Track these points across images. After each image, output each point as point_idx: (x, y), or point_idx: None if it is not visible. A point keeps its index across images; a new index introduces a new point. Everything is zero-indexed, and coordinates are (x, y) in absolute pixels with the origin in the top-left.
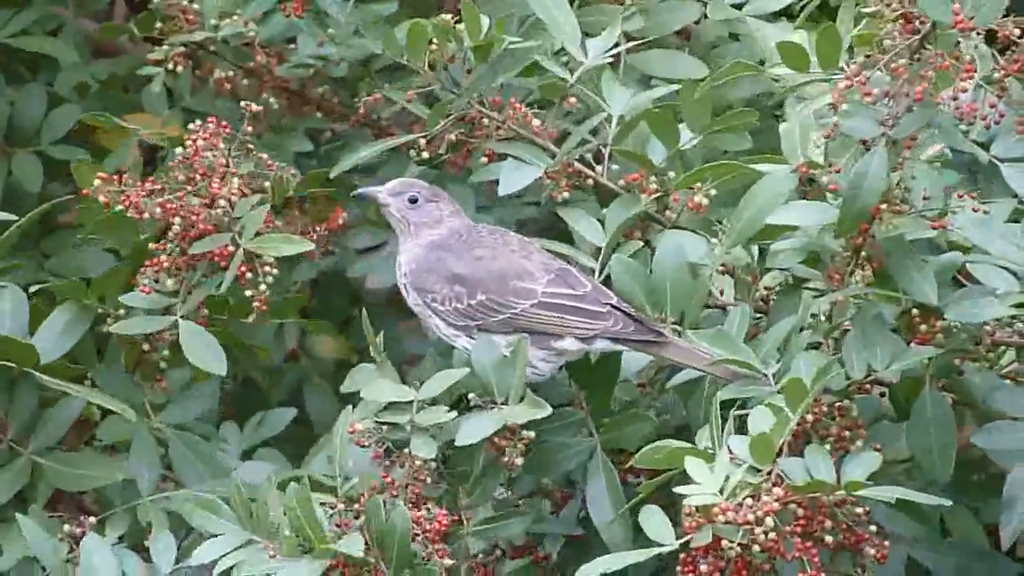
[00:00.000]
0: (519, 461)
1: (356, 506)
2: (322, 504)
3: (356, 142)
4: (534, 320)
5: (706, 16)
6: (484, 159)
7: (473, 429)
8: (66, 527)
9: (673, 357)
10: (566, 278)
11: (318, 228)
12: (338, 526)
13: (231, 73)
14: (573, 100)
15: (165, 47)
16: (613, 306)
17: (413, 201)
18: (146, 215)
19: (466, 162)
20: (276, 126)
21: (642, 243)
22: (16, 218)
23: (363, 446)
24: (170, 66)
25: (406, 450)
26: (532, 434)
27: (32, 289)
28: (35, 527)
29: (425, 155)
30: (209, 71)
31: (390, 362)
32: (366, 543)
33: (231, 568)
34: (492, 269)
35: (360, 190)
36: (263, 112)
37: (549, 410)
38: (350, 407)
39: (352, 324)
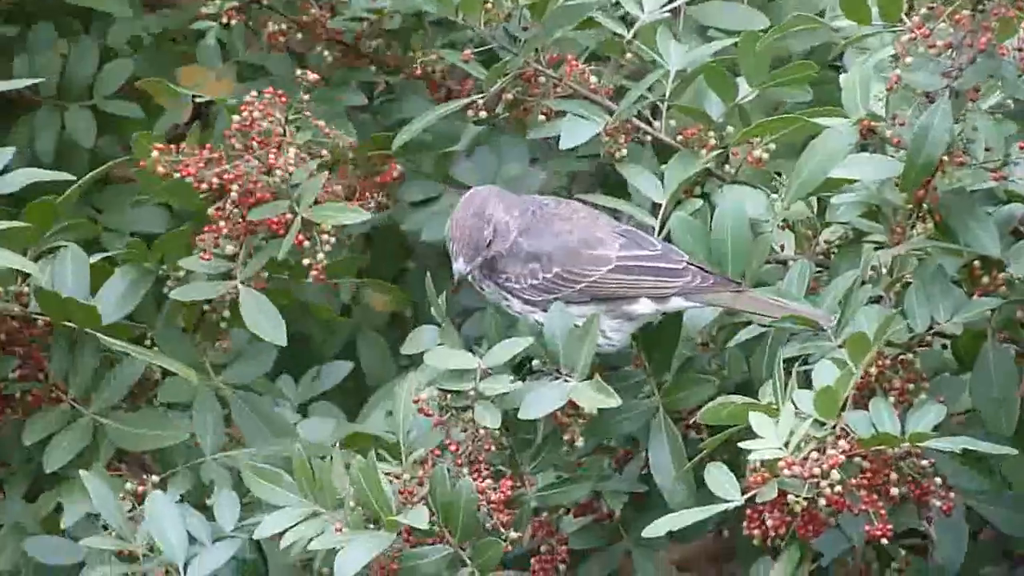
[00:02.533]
0: (580, 442)
1: (420, 474)
2: (386, 474)
3: (409, 94)
4: (611, 285)
5: None
6: (542, 117)
7: (537, 403)
8: (128, 485)
9: (748, 308)
10: (635, 239)
11: (372, 184)
12: (402, 494)
13: (284, 27)
14: (630, 56)
15: (218, 1)
16: (688, 263)
17: (488, 245)
18: (204, 185)
19: (527, 117)
20: (329, 79)
21: (701, 200)
22: (74, 178)
23: (427, 415)
24: (223, 20)
25: (468, 416)
26: (594, 411)
27: (96, 256)
28: (99, 483)
29: (483, 115)
30: (262, 25)
31: (452, 325)
32: (431, 512)
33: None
34: (564, 241)
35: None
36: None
37: (618, 401)
38: (412, 373)
39: (406, 276)
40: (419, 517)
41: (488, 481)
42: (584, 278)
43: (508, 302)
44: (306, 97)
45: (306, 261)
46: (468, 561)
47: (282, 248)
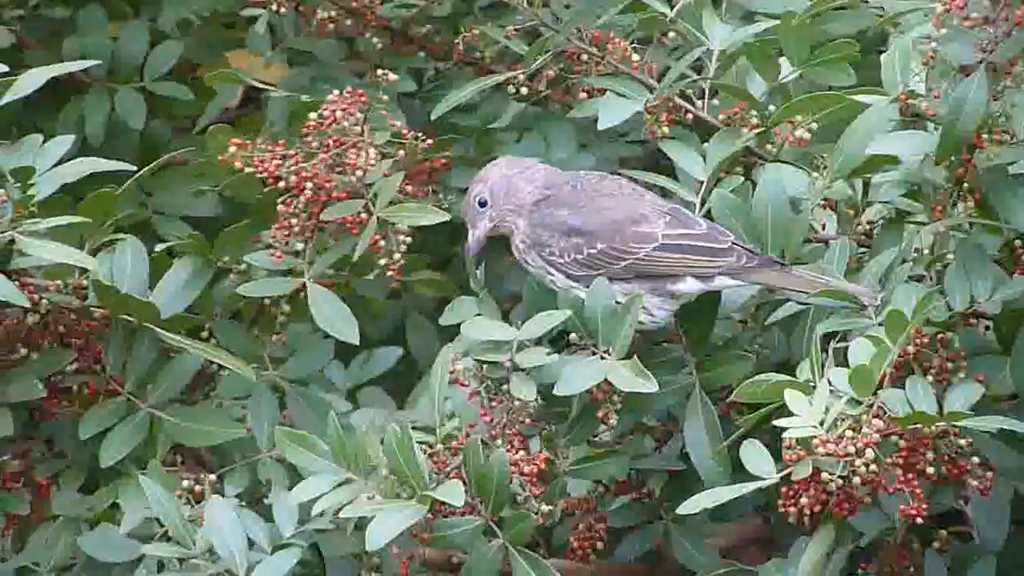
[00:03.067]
0: (614, 420)
1: (454, 444)
2: (420, 443)
3: (459, 81)
4: (657, 263)
5: None
6: (583, 95)
7: (574, 378)
8: (185, 483)
9: (792, 286)
10: (680, 218)
11: (420, 170)
12: (435, 464)
13: (334, 13)
14: (672, 35)
15: None
16: (733, 243)
17: (483, 204)
18: (281, 183)
19: (565, 98)
20: (379, 65)
21: (743, 178)
22: (135, 168)
23: (463, 385)
24: (273, 6)
25: (505, 388)
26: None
27: (157, 247)
28: (157, 486)
29: (524, 91)
30: (313, 11)
31: (491, 297)
32: (464, 483)
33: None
34: (608, 217)
35: (469, 252)
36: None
37: (655, 386)
38: (449, 345)
39: (453, 262)
40: (454, 492)
41: (522, 453)
42: (629, 255)
43: (552, 276)
44: (384, 98)
45: (382, 261)
46: (499, 533)
47: (358, 248)
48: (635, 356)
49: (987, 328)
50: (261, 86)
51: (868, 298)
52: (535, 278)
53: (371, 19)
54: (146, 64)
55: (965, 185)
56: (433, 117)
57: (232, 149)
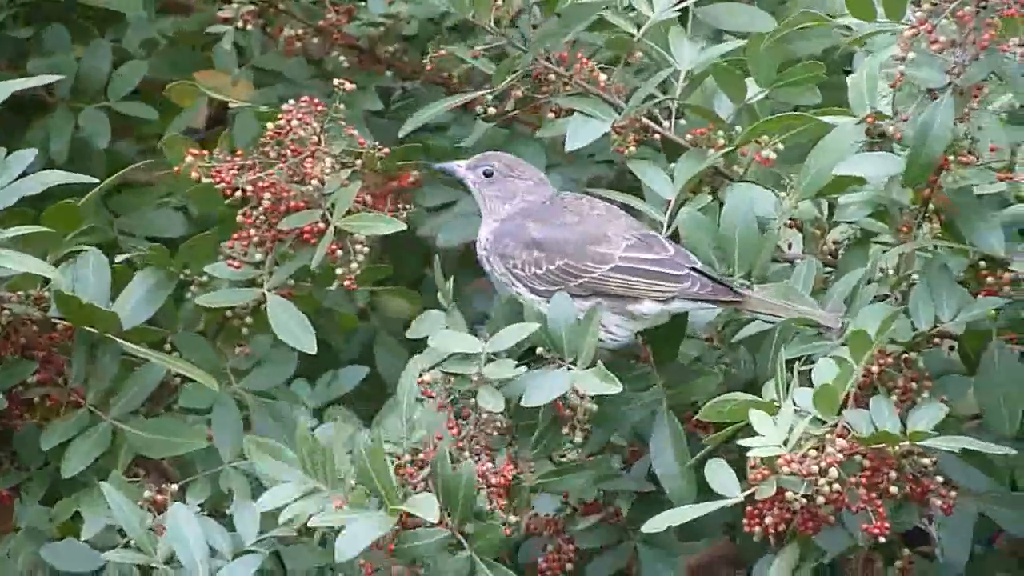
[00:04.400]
0: (579, 438)
1: (421, 456)
2: (388, 454)
3: (427, 100)
4: (611, 284)
5: None
6: (551, 115)
7: (541, 389)
8: (147, 493)
9: (755, 309)
10: (649, 243)
11: (389, 189)
12: (400, 476)
13: (301, 31)
14: (640, 55)
15: (235, 4)
16: (693, 269)
17: (488, 175)
18: (237, 192)
19: (533, 117)
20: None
21: (711, 197)
22: (97, 180)
23: (430, 397)
24: (240, 24)
25: (472, 401)
26: (595, 407)
27: (119, 259)
28: (119, 495)
29: (492, 111)
30: (279, 29)
31: (459, 312)
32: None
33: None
34: (569, 234)
35: (440, 164)
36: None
37: (620, 387)
38: (417, 357)
39: (424, 282)
40: (428, 506)
41: (489, 465)
42: (585, 273)
43: (516, 289)
44: (341, 107)
45: (339, 271)
46: (466, 544)
47: (315, 257)
48: (599, 363)
49: (951, 348)
50: (223, 99)
51: (830, 321)
52: (497, 285)
53: (338, 38)
54: (110, 84)
55: (931, 206)
56: (400, 135)
57: (189, 159)
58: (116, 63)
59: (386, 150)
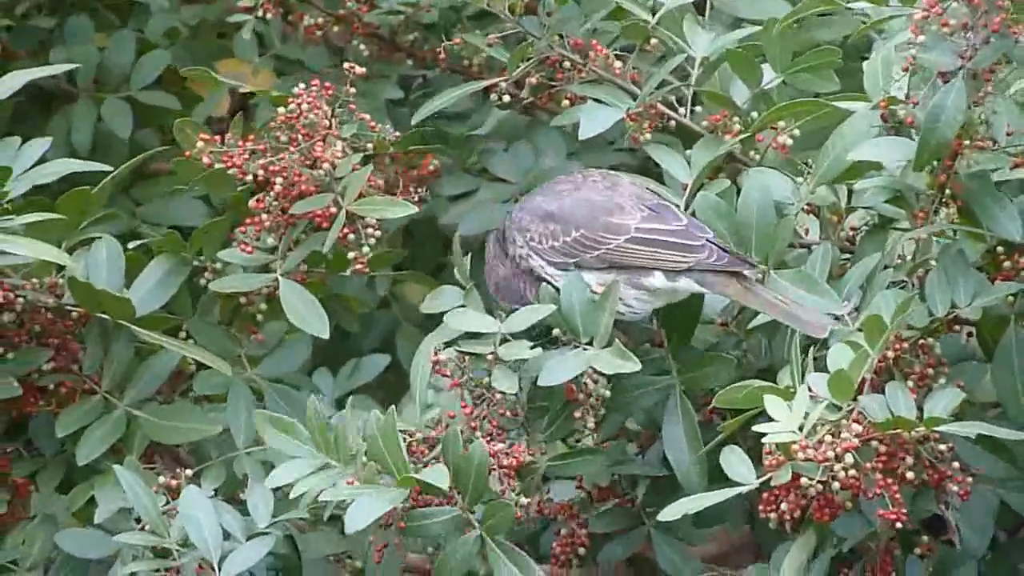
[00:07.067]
0: (591, 422)
1: (432, 434)
2: (401, 431)
3: (446, 88)
4: (628, 255)
5: None
6: (566, 102)
7: (557, 369)
8: (161, 479)
9: (752, 304)
10: (663, 214)
11: (410, 178)
12: (412, 454)
13: (321, 20)
14: (655, 42)
15: None
16: (709, 240)
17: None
18: (248, 176)
19: (547, 105)
20: (368, 74)
21: (728, 181)
22: (111, 168)
23: (444, 375)
24: (260, 13)
25: (486, 381)
26: (607, 393)
27: (132, 245)
28: (132, 477)
29: (507, 99)
30: (299, 18)
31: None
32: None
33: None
34: (583, 206)
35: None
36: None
37: (638, 365)
38: (432, 335)
39: (444, 272)
40: (439, 476)
41: (501, 446)
42: (601, 244)
43: (536, 262)
44: (352, 90)
45: (351, 255)
46: (476, 524)
47: (327, 241)
48: (616, 342)
49: (970, 335)
50: (240, 87)
51: (820, 331)
52: (487, 269)
53: (359, 26)
54: (133, 73)
55: (947, 192)
56: (414, 122)
57: (200, 144)
58: (139, 53)
59: (396, 133)
